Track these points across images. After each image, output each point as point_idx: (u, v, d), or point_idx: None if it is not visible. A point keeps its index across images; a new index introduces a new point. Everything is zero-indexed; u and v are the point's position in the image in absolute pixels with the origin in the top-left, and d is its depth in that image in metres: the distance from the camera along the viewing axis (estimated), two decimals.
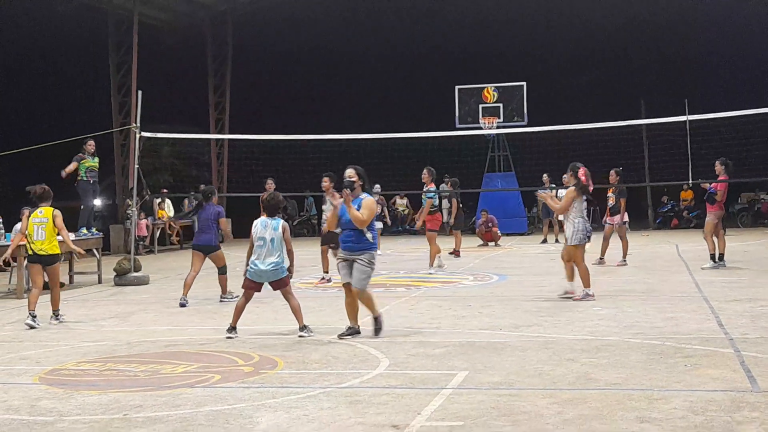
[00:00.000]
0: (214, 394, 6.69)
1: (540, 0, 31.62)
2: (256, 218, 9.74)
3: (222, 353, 8.46)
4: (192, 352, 8.57)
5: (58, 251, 11.02)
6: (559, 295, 11.77)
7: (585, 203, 11.81)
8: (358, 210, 9.06)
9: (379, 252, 20.42)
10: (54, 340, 9.63)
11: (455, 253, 19.77)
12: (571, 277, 11.74)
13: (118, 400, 6.57)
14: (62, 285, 13.96)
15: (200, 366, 7.84)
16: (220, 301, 12.79)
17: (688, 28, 31.49)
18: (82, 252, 12.30)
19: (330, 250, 14.26)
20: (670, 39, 32.96)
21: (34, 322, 10.63)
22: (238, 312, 9.49)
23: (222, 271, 13.08)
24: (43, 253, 10.91)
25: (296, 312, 9.50)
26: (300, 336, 9.28)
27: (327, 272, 14.77)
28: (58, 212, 11.00)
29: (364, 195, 9.21)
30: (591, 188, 12.17)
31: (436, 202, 17.29)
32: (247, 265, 9.52)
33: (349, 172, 9.35)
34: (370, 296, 9.10)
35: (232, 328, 9.44)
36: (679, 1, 30.81)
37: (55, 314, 11.11)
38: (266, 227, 9.51)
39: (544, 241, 23.59)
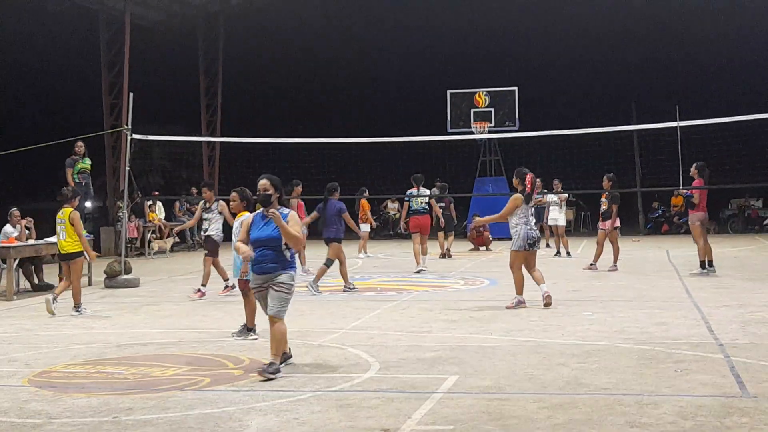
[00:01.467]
0: (204, 398, 6.67)
1: (532, 5, 31.66)
2: None
3: (212, 356, 8.44)
4: (182, 355, 8.55)
5: (79, 248, 12.00)
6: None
7: (530, 210, 11.81)
8: (276, 229, 7.70)
9: (368, 255, 20.61)
10: (43, 342, 9.60)
11: (446, 254, 19.99)
12: (538, 281, 11.71)
13: (107, 403, 6.55)
14: (51, 287, 14.02)
15: (190, 369, 7.82)
16: (310, 288, 13.68)
17: (680, 33, 31.61)
18: (93, 256, 13.37)
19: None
20: (662, 44, 33.08)
21: (79, 310, 11.82)
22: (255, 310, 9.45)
23: (327, 263, 13.84)
24: (63, 251, 12.02)
25: (253, 312, 9.49)
26: (238, 337, 9.41)
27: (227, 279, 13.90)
28: (75, 214, 11.97)
29: (284, 208, 7.87)
30: (534, 195, 12.37)
31: (414, 206, 17.98)
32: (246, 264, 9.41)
33: (263, 183, 7.89)
34: (284, 332, 7.65)
35: (250, 329, 9.50)
36: (670, 7, 30.92)
37: (76, 307, 11.85)
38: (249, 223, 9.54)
39: None
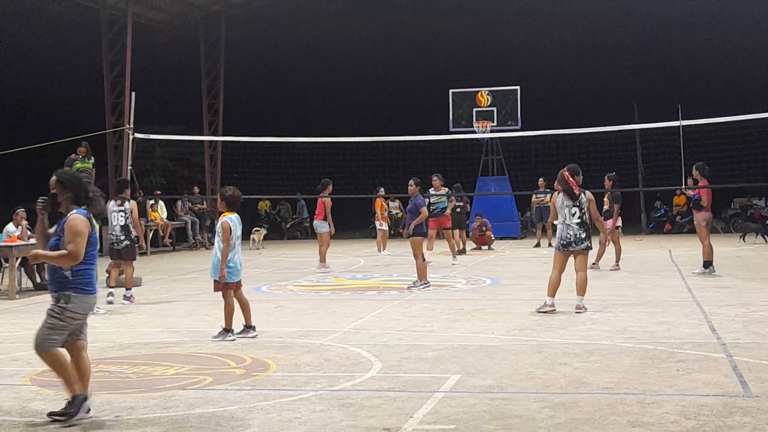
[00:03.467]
0: (206, 397, 6.67)
1: (534, 4, 31.65)
2: (250, 220, 9.77)
3: (214, 355, 8.44)
4: (184, 354, 8.55)
5: None
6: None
7: (569, 209, 11.34)
8: (58, 240, 6.15)
9: (387, 252, 20.61)
10: None
11: (462, 251, 20.20)
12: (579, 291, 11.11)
13: (109, 402, 6.55)
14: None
15: (192, 368, 7.82)
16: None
17: (682, 32, 31.57)
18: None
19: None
20: (664, 44, 33.06)
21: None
22: (233, 312, 9.50)
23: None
24: None
25: (248, 309, 9.57)
26: (240, 335, 9.42)
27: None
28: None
29: (75, 211, 6.19)
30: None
31: (442, 205, 18.73)
32: (224, 267, 9.43)
33: (51, 181, 6.65)
34: (64, 365, 6.14)
35: (250, 327, 9.54)
36: (672, 6, 30.89)
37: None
38: (237, 225, 9.57)
39: (537, 245, 23.62)
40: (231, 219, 9.54)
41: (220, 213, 9.79)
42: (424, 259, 14.10)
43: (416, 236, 14.00)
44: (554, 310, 10.89)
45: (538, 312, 10.90)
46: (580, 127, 19.29)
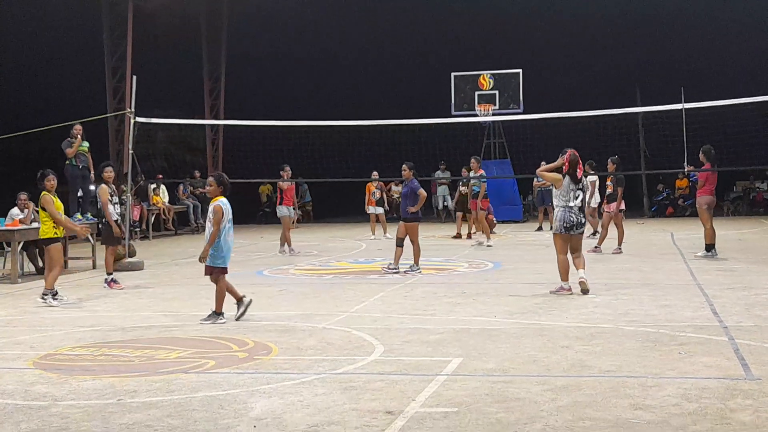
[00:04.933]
0: (209, 380, 6.69)
1: None
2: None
3: (216, 339, 8.46)
4: (186, 338, 8.57)
5: (49, 235, 11.38)
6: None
7: (573, 193, 11.29)
8: None
9: (389, 235, 20.77)
10: (48, 325, 9.62)
11: (468, 235, 20.27)
12: (578, 266, 11.20)
13: (112, 385, 6.57)
14: None
15: (195, 351, 7.83)
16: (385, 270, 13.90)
17: (685, 15, 31.42)
18: (82, 231, 12.86)
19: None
20: (667, 26, 32.91)
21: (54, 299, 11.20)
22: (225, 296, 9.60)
23: (398, 242, 14.04)
24: (39, 236, 11.69)
25: (221, 296, 9.57)
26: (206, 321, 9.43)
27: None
28: (45, 196, 11.41)
29: None
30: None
31: (476, 189, 19.15)
32: (208, 249, 9.48)
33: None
34: None
35: (220, 314, 9.55)
36: None
37: (43, 294, 11.23)
38: (229, 208, 9.62)
39: (539, 228, 23.62)
40: (224, 203, 9.58)
41: (209, 198, 9.83)
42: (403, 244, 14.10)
43: (413, 221, 13.97)
44: (572, 293, 10.93)
45: (552, 293, 10.96)
46: (582, 110, 19.23)
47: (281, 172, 18.13)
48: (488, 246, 18.44)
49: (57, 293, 11.23)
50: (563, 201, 11.10)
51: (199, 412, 5.76)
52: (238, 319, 9.51)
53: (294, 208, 18.40)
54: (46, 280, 11.32)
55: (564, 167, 11.18)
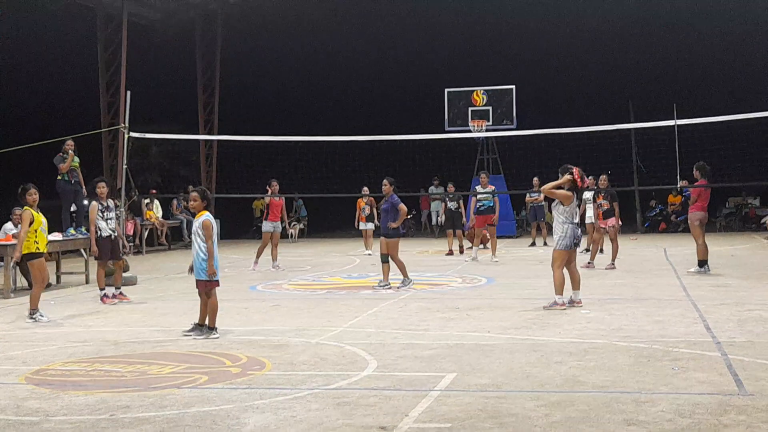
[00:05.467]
0: (202, 395, 6.67)
1: (530, 4, 31.65)
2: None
3: (209, 354, 8.44)
4: (179, 353, 8.54)
5: (31, 250, 11.20)
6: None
7: (577, 209, 11.47)
8: None
9: (369, 252, 20.76)
10: (41, 340, 9.59)
11: (460, 250, 20.33)
12: (575, 286, 11.37)
13: (105, 401, 6.54)
14: (48, 285, 13.91)
15: (187, 367, 7.81)
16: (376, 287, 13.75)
17: (678, 32, 31.60)
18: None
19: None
20: (660, 43, 33.09)
21: (34, 317, 11.01)
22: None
23: (384, 258, 13.92)
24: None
25: (213, 311, 9.58)
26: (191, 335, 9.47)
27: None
28: (24, 212, 11.23)
29: None
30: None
31: (489, 203, 19.21)
32: (212, 264, 9.50)
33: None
34: None
35: (202, 326, 9.56)
36: (668, 5, 30.91)
37: (31, 313, 11.10)
38: (216, 223, 9.71)
39: (533, 244, 23.66)
40: (210, 217, 9.60)
41: (194, 213, 9.85)
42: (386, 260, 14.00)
43: (393, 237, 13.92)
44: (565, 307, 11.01)
45: (546, 309, 10.97)
46: (575, 126, 19.31)
47: (268, 187, 18.07)
48: (495, 261, 18.45)
49: (36, 312, 11.01)
50: (570, 217, 11.16)
51: (192, 428, 5.74)
52: (185, 334, 9.52)
53: (283, 223, 18.28)
54: (30, 298, 11.17)
55: (578, 184, 11.28)
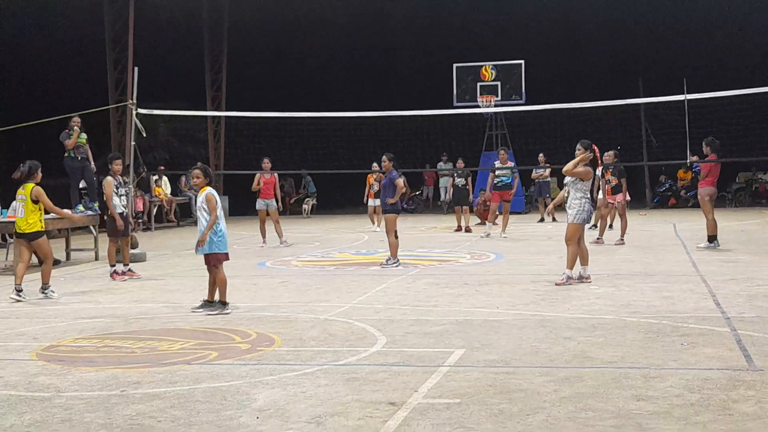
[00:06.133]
0: (212, 371, 6.70)
1: None
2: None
3: (219, 330, 8.47)
4: (189, 329, 8.58)
5: (37, 228, 11.09)
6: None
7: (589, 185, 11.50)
8: None
9: (376, 228, 20.76)
10: (51, 316, 9.63)
11: (467, 229, 20.36)
12: (584, 261, 11.36)
13: (115, 377, 6.58)
14: (58, 262, 13.95)
15: (197, 343, 7.85)
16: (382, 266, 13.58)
17: (687, 6, 31.34)
18: (69, 215, 12.36)
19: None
20: (669, 17, 32.81)
21: (20, 296, 10.91)
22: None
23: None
24: (21, 231, 11.10)
25: (223, 285, 9.65)
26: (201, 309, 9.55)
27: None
28: (38, 189, 11.10)
29: None
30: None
31: (507, 180, 19.24)
32: (207, 235, 9.57)
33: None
34: None
35: (212, 303, 9.64)
36: None
37: (43, 288, 11.15)
38: (219, 197, 9.86)
39: (541, 220, 23.62)
40: (213, 191, 9.69)
41: (197, 190, 9.93)
42: (396, 236, 13.87)
43: (390, 213, 13.89)
44: (574, 281, 11.09)
45: (557, 285, 10.96)
46: (584, 101, 19.21)
47: (262, 165, 18.00)
48: (504, 237, 18.47)
49: (22, 290, 11.00)
50: (587, 193, 11.21)
51: (202, 404, 5.77)
52: (193, 311, 9.59)
53: (277, 201, 18.17)
54: (44, 273, 11.21)
55: (597, 161, 11.42)
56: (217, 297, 9.65)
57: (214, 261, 9.65)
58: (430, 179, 32.23)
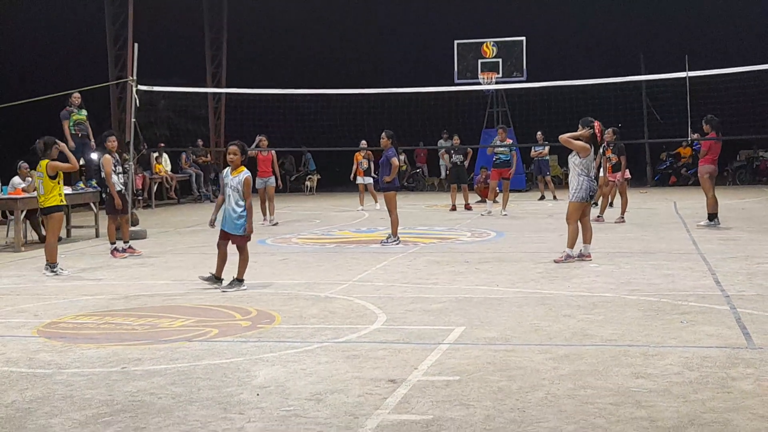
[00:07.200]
0: (212, 348, 6.72)
1: None
2: (251, 172, 9.84)
3: (219, 308, 8.48)
4: (189, 306, 8.60)
5: (55, 203, 11.18)
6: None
7: (593, 162, 11.45)
8: None
9: (378, 206, 20.68)
10: (52, 293, 9.65)
11: (467, 206, 20.23)
12: (586, 239, 11.33)
13: (116, 354, 6.60)
14: (59, 239, 13.93)
15: (198, 320, 7.86)
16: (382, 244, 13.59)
17: None
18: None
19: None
20: None
21: (55, 271, 11.01)
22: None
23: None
24: (42, 206, 11.30)
25: (244, 264, 9.67)
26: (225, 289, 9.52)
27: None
28: (52, 163, 11.20)
29: None
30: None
31: (505, 157, 19.30)
32: (252, 221, 9.60)
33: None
34: None
35: (217, 278, 9.66)
36: None
37: (51, 267, 11.14)
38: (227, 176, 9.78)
39: (542, 197, 23.62)
40: (249, 174, 9.69)
41: (234, 167, 9.73)
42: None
43: (389, 191, 13.83)
44: (575, 260, 11.09)
45: (556, 262, 10.97)
46: (585, 78, 19.15)
47: (259, 142, 17.89)
48: (504, 215, 18.48)
49: (57, 265, 11.11)
50: (586, 170, 11.13)
51: (203, 380, 5.79)
52: (203, 278, 9.67)
53: (276, 178, 18.06)
54: (46, 251, 11.22)
55: (597, 138, 11.33)
56: (235, 275, 9.63)
57: (240, 241, 9.63)
58: (423, 157, 32.04)
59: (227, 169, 9.79)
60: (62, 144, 11.58)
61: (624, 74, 19.85)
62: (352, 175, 21.98)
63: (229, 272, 9.68)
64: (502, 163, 19.23)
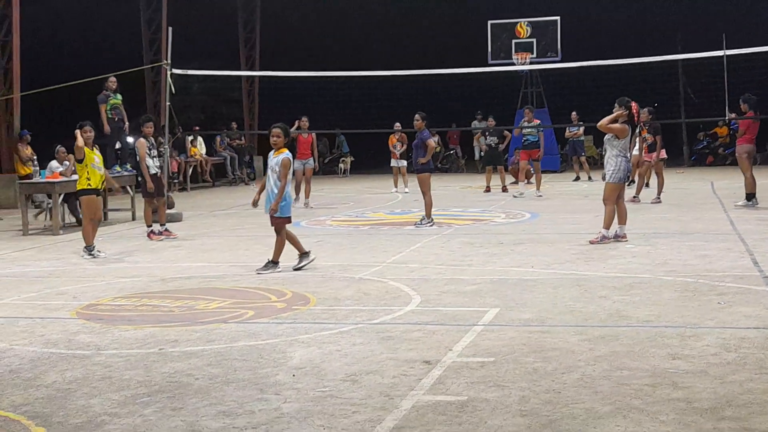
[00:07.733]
0: (248, 330, 6.77)
1: None
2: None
3: (255, 289, 8.54)
4: (225, 288, 8.67)
5: (83, 186, 11.36)
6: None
7: (630, 143, 11.38)
8: None
9: (407, 189, 20.62)
10: (90, 275, 9.77)
11: (503, 188, 20.13)
12: (621, 220, 11.25)
13: (153, 335, 6.68)
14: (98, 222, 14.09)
15: (234, 302, 7.93)
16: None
17: None
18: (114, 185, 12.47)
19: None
20: None
21: (93, 254, 11.17)
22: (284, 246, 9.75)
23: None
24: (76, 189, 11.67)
25: (281, 247, 9.69)
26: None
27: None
28: (75, 147, 11.41)
29: None
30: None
31: (533, 138, 19.18)
32: (279, 202, 9.56)
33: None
34: None
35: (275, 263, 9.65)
36: None
37: (89, 249, 11.26)
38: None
39: (577, 178, 23.45)
40: (290, 156, 9.70)
41: (277, 148, 9.75)
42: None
43: (423, 172, 13.78)
44: (611, 241, 11.02)
45: (592, 243, 10.89)
46: (620, 58, 18.96)
47: (300, 124, 17.85)
48: (539, 196, 18.40)
49: (94, 248, 11.23)
50: (624, 150, 11.06)
51: (239, 362, 5.84)
52: (296, 269, 9.57)
53: (314, 160, 18.09)
54: (83, 235, 11.36)
55: (635, 118, 11.24)
56: (270, 257, 9.68)
57: (277, 224, 9.67)
58: (456, 139, 31.91)
59: (272, 152, 9.84)
60: (77, 131, 11.61)
61: (660, 53, 19.63)
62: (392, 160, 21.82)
63: (265, 255, 9.74)
64: (530, 144, 19.12)
